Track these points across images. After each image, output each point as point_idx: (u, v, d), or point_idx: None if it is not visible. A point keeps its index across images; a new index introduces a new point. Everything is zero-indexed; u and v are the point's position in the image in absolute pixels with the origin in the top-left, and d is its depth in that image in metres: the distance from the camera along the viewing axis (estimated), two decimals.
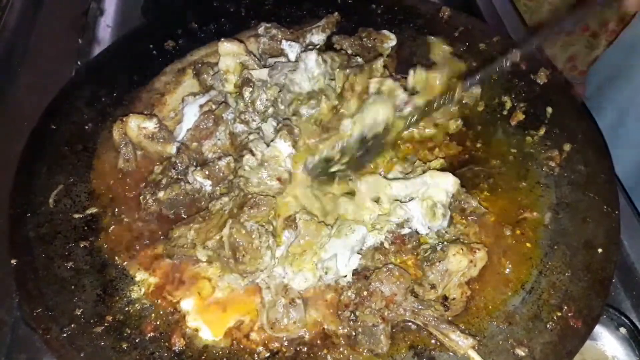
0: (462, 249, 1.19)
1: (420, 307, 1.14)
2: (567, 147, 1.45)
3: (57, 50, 1.98)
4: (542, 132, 1.51)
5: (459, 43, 1.77)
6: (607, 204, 1.33)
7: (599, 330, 1.25)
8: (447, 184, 1.30)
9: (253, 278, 1.19)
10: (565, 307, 1.17)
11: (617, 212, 1.32)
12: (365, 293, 1.14)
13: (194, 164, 1.39)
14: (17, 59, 1.88)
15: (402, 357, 1.12)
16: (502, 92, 1.62)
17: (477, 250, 1.20)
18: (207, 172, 1.33)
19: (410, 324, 1.16)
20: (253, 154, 1.32)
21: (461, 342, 1.09)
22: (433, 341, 1.14)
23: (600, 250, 1.26)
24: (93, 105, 1.57)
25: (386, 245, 1.25)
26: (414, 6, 1.89)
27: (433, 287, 1.16)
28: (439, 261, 1.17)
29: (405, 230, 1.28)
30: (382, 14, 1.87)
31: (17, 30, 1.94)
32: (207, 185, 1.34)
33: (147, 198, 1.33)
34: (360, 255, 1.23)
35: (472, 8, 2.16)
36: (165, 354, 1.12)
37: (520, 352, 1.11)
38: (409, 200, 1.29)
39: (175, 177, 1.36)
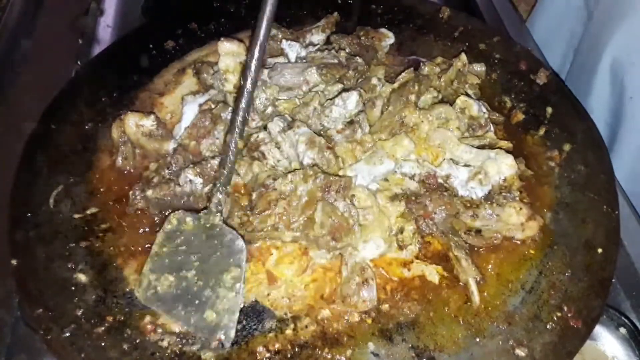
0: (521, 209, 1.27)
1: (450, 232, 1.28)
2: (567, 147, 1.46)
3: (57, 50, 1.98)
4: (542, 132, 1.51)
5: (459, 43, 1.78)
6: (607, 204, 1.34)
7: (599, 330, 1.25)
8: (504, 164, 1.34)
9: (342, 252, 1.24)
10: (565, 308, 1.18)
11: (617, 212, 1.32)
12: (413, 198, 1.29)
13: (190, 165, 1.38)
14: (17, 59, 1.88)
15: (402, 357, 1.12)
16: (502, 92, 1.63)
17: (534, 218, 1.27)
18: (198, 170, 1.33)
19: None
20: (265, 157, 1.34)
21: (468, 270, 1.21)
22: (432, 342, 1.14)
23: (600, 250, 1.26)
24: (93, 105, 1.57)
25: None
26: (414, 6, 1.90)
27: (476, 217, 1.28)
28: (498, 205, 1.27)
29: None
30: (382, 14, 1.87)
31: (17, 30, 1.94)
32: (198, 183, 1.33)
33: (136, 194, 1.34)
34: (377, 185, 1.33)
35: (472, 8, 2.16)
36: (166, 354, 1.11)
37: (520, 352, 1.12)
38: (464, 166, 1.35)
39: (167, 177, 1.36)
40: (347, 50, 1.68)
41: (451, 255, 1.25)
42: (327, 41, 1.76)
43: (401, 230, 1.27)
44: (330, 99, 1.47)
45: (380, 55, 1.73)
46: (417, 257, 1.27)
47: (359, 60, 1.63)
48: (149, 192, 1.32)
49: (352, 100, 1.44)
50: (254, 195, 1.29)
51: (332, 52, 1.66)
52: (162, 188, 1.32)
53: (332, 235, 1.21)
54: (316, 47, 1.72)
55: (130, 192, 1.35)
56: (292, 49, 1.66)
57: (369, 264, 1.24)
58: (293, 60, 1.66)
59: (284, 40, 1.68)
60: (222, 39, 1.55)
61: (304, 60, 1.63)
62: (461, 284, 1.23)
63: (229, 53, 1.54)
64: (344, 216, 1.23)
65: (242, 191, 1.35)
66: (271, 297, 1.21)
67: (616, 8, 1.86)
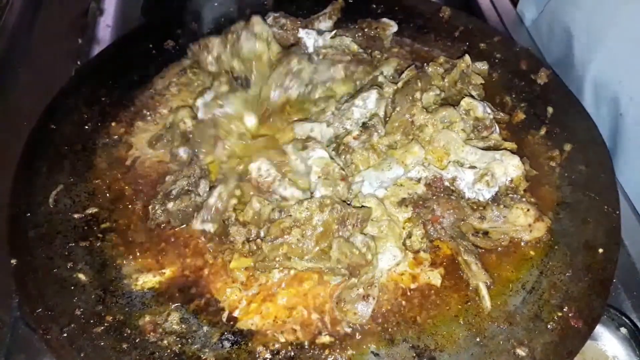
0: (528, 210, 1.26)
1: (458, 236, 1.25)
2: (567, 147, 1.45)
3: (57, 50, 1.98)
4: (542, 132, 1.51)
5: (459, 43, 1.78)
6: (608, 204, 1.33)
7: (600, 330, 1.25)
8: (511, 165, 1.33)
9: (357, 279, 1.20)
10: (566, 307, 1.17)
11: (617, 212, 1.32)
12: (421, 202, 1.28)
13: (206, 174, 1.36)
14: (17, 59, 1.87)
15: (403, 357, 1.12)
16: (503, 92, 1.62)
17: (541, 219, 1.26)
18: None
19: None
20: (277, 194, 1.29)
21: (479, 275, 1.20)
22: (433, 342, 1.14)
23: (601, 250, 1.26)
24: (93, 105, 1.57)
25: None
26: (414, 6, 1.90)
27: (483, 219, 1.27)
28: (505, 206, 1.27)
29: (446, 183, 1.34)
30: (382, 14, 1.87)
31: (17, 30, 1.94)
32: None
33: (157, 209, 1.31)
34: (386, 190, 1.31)
35: (472, 8, 2.16)
36: (165, 354, 1.11)
37: (521, 352, 1.11)
38: (469, 168, 1.34)
39: (186, 188, 1.32)
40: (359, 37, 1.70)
41: (460, 259, 1.24)
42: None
43: (409, 235, 1.26)
44: (345, 101, 1.48)
45: (387, 44, 1.73)
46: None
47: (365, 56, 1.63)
48: (170, 205, 1.29)
49: (371, 99, 1.44)
50: (263, 226, 1.23)
51: (344, 41, 1.65)
52: (182, 200, 1.29)
53: (349, 271, 1.18)
54: (330, 36, 1.69)
55: (150, 207, 1.32)
56: (310, 37, 1.66)
57: (379, 281, 1.20)
58: (311, 49, 1.65)
59: (300, 29, 1.67)
60: (252, 16, 1.59)
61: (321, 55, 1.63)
62: (470, 288, 1.21)
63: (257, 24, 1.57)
64: (361, 253, 1.17)
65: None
66: (259, 324, 1.17)
67: (597, 27, 1.82)
